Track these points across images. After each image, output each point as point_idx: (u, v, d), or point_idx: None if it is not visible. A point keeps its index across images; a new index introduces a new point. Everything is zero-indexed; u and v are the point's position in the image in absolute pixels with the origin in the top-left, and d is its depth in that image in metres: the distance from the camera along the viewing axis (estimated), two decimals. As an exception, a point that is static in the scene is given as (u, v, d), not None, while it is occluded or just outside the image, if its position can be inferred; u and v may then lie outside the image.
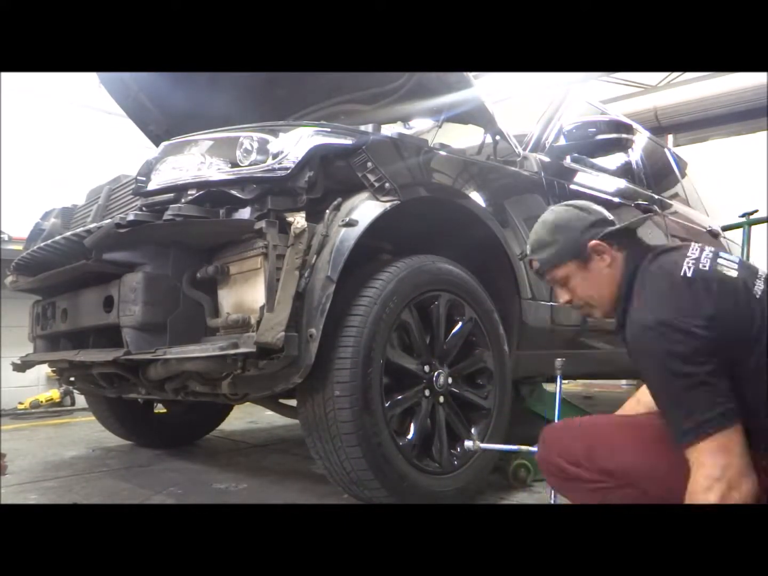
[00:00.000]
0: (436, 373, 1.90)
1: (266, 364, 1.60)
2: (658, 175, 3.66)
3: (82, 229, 1.87)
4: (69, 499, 2.10)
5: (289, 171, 1.67)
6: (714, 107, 5.58)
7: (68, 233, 1.95)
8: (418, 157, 1.94)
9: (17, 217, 3.95)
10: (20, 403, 4.63)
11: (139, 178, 1.76)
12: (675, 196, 3.83)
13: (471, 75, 2.15)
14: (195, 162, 1.75)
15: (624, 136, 2.58)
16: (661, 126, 5.82)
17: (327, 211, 1.71)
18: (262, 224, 1.61)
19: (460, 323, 2.00)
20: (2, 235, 4.13)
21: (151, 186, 1.75)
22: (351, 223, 1.69)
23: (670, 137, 6.03)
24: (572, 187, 2.57)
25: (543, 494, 2.12)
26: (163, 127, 3.00)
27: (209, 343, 1.67)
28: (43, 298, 2.32)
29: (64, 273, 1.94)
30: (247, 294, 1.68)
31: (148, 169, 1.77)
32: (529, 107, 3.67)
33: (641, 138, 3.64)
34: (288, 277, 1.59)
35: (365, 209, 1.74)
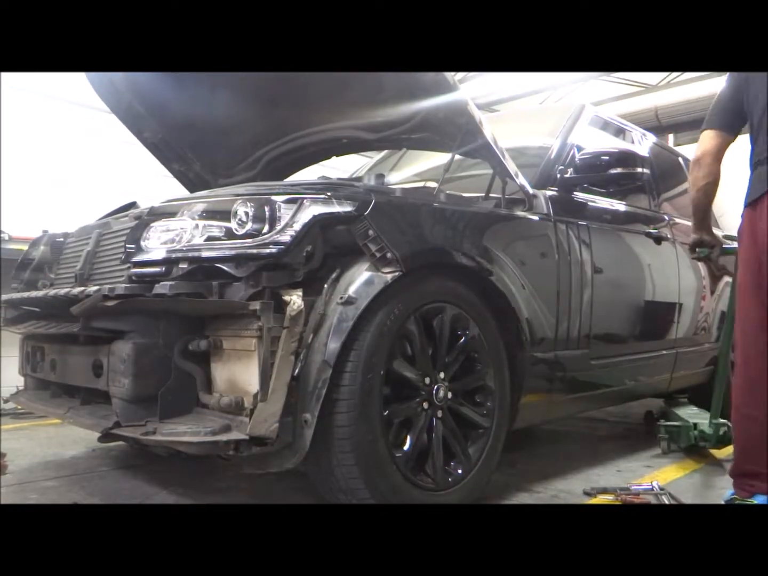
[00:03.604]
0: (436, 387, 1.85)
1: (259, 449, 1.56)
2: (668, 187, 3.54)
3: (69, 289, 1.80)
4: (69, 498, 2.09)
5: (285, 246, 1.59)
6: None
7: (56, 291, 1.87)
8: (423, 217, 1.85)
9: (17, 217, 3.89)
10: (21, 402, 4.62)
11: (128, 246, 1.68)
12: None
13: (480, 117, 2.03)
14: (187, 227, 1.67)
15: (639, 170, 2.46)
16: (661, 125, 5.76)
17: (325, 285, 1.63)
18: (256, 306, 1.54)
19: (463, 338, 1.95)
20: (2, 235, 4.05)
21: (141, 256, 1.66)
22: (350, 301, 1.62)
23: (671, 136, 5.99)
24: (581, 223, 2.47)
25: (542, 494, 2.14)
26: (158, 135, 2.88)
27: (201, 422, 1.62)
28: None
29: (52, 335, 1.88)
30: (240, 373, 1.62)
31: (136, 237, 1.69)
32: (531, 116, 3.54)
33: (654, 149, 3.50)
34: (283, 362, 1.53)
35: (365, 284, 1.66)
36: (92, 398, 1.92)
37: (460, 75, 6.33)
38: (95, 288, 1.70)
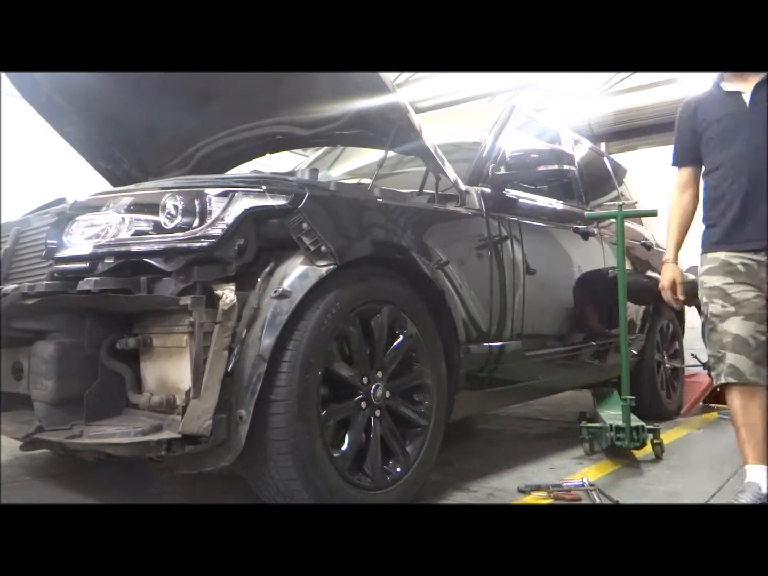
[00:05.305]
0: (374, 386, 1.85)
1: (193, 448, 1.52)
2: (596, 187, 3.68)
3: None
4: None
5: (217, 240, 1.56)
6: (643, 118, 5.96)
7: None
8: (357, 211, 1.85)
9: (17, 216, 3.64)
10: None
11: (49, 242, 1.60)
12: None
13: (415, 116, 2.05)
14: (113, 222, 1.61)
15: (566, 167, 2.54)
16: (593, 134, 6.11)
17: (258, 279, 1.61)
18: (187, 300, 1.50)
19: (401, 337, 1.95)
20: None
21: (64, 252, 1.59)
22: (284, 295, 1.60)
23: (603, 144, 6.35)
24: (512, 218, 2.54)
25: (479, 493, 2.15)
26: (81, 130, 2.76)
27: (130, 423, 1.57)
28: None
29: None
30: (171, 371, 1.58)
31: (58, 232, 1.61)
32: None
33: (581, 149, 3.64)
34: (216, 358, 1.50)
35: (299, 278, 1.64)
36: (13, 404, 1.81)
37: (403, 78, 6.39)
38: (14, 286, 1.61)
